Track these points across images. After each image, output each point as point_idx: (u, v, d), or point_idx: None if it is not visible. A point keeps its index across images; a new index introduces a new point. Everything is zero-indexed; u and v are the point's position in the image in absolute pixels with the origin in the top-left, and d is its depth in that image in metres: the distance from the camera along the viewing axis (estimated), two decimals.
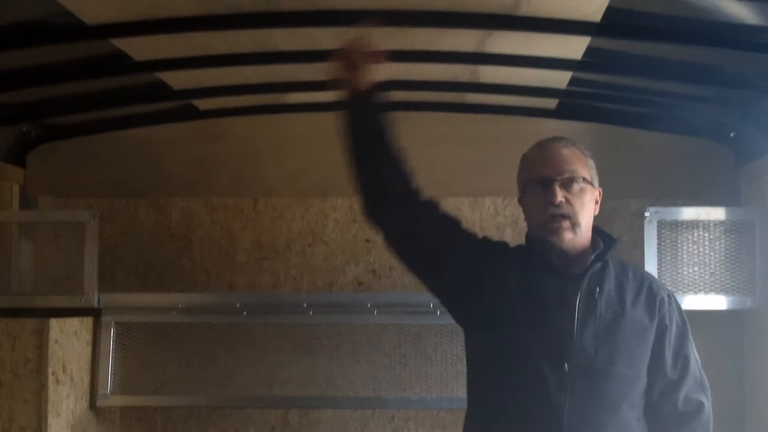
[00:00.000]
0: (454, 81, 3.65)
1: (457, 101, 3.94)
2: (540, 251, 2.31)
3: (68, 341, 3.56)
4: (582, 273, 2.26)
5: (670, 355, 2.29)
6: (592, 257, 2.28)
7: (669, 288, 2.46)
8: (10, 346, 3.39)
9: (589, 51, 3.09)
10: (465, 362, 2.41)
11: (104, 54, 3.15)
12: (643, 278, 2.36)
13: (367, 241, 4.06)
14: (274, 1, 2.73)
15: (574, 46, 3.07)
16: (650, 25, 2.81)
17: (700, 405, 2.30)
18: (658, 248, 3.61)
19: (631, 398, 2.25)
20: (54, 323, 3.44)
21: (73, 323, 3.62)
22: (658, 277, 3.51)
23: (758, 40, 2.76)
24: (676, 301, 2.37)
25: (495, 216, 4.07)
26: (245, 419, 4.09)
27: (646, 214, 3.63)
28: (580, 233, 2.27)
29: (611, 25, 2.80)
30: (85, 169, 4.12)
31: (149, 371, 3.87)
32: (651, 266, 3.56)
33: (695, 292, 3.63)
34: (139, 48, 3.13)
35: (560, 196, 2.25)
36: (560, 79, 3.50)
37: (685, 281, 3.64)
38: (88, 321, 3.77)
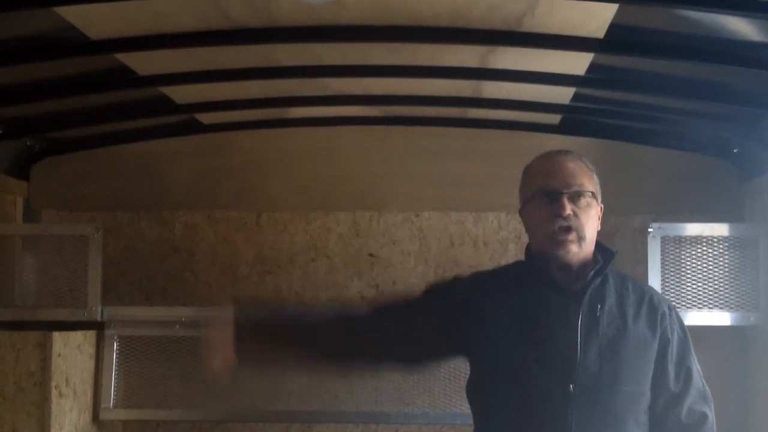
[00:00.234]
0: (457, 96, 3.65)
1: (459, 116, 3.94)
2: (541, 264, 2.29)
3: (71, 354, 3.56)
4: (582, 289, 2.25)
5: (672, 367, 2.28)
6: (592, 272, 2.27)
7: (670, 301, 2.45)
8: (13, 359, 3.40)
9: (592, 67, 3.09)
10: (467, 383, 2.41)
11: (108, 68, 3.16)
12: (644, 291, 2.35)
13: (371, 255, 4.05)
14: (277, 16, 2.73)
15: (578, 62, 3.07)
16: (653, 41, 2.81)
17: (704, 417, 2.29)
18: (661, 264, 3.61)
19: (637, 414, 2.24)
20: (57, 336, 3.44)
21: (77, 336, 3.62)
22: (662, 292, 3.48)
23: (762, 57, 2.75)
24: (677, 313, 2.36)
25: (498, 231, 4.05)
26: None
27: (650, 229, 3.63)
28: (584, 247, 2.26)
29: (614, 41, 2.80)
30: (89, 183, 4.12)
31: (152, 385, 3.88)
32: (654, 282, 3.56)
33: (699, 308, 3.62)
34: (143, 62, 3.14)
35: (569, 208, 2.23)
36: (563, 94, 3.50)
37: (689, 297, 3.63)
38: (92, 334, 3.77)
